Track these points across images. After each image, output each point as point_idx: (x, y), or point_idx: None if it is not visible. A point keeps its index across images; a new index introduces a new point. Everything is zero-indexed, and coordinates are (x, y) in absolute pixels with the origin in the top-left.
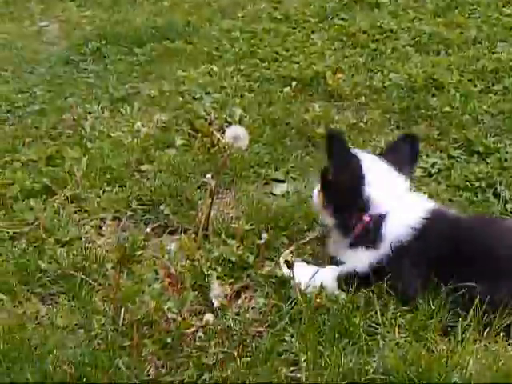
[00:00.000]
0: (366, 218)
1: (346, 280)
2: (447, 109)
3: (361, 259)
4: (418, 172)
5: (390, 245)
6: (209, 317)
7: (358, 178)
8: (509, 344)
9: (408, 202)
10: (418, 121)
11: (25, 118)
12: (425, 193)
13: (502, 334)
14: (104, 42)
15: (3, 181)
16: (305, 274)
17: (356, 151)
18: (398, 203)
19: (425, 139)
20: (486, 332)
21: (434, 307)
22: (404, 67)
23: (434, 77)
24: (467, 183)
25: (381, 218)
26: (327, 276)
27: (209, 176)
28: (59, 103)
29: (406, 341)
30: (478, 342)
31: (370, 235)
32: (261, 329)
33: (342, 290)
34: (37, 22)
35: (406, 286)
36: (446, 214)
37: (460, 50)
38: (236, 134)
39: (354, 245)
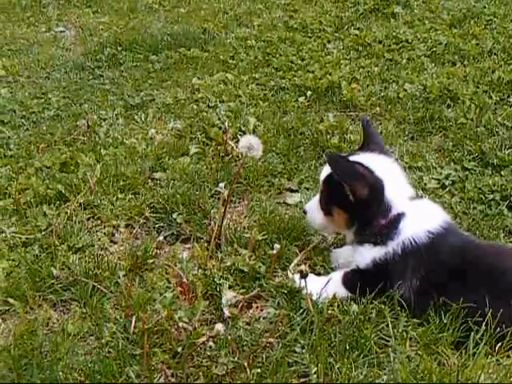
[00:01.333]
0: (385, 219)
1: (351, 279)
2: (462, 120)
3: (365, 256)
4: (432, 184)
5: (402, 242)
6: (219, 327)
7: (377, 188)
8: None
9: (426, 206)
10: (432, 132)
11: (40, 124)
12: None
13: None
14: (120, 48)
15: (17, 186)
16: (316, 284)
17: (358, 158)
18: (417, 206)
19: (439, 150)
20: (497, 346)
21: (445, 321)
22: (419, 78)
23: (450, 88)
24: (481, 196)
25: (399, 216)
26: (335, 281)
27: (222, 185)
28: (74, 109)
29: (417, 354)
30: (489, 356)
31: (383, 232)
32: (271, 340)
33: (351, 293)
34: (53, 28)
35: (404, 289)
36: (460, 231)
37: (476, 61)
38: (250, 144)
39: (361, 242)
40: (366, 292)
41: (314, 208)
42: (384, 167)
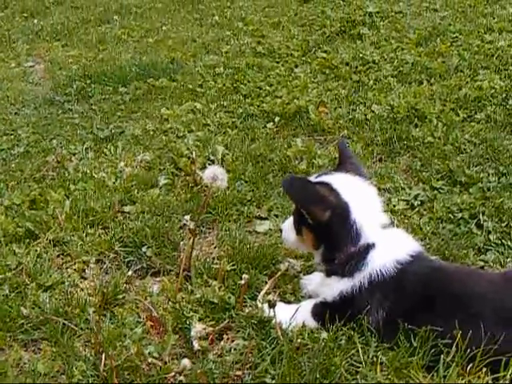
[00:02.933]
0: (353, 248)
1: (320, 311)
2: (429, 139)
3: (332, 288)
4: (401, 205)
5: (369, 274)
6: (186, 362)
7: (340, 212)
8: (493, 379)
9: (396, 236)
10: (400, 152)
11: (9, 161)
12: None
13: (484, 370)
14: (89, 81)
15: None
16: (286, 313)
17: (327, 179)
18: (386, 236)
19: (407, 171)
20: (469, 367)
21: (415, 344)
22: (386, 98)
23: (417, 107)
24: (450, 215)
25: (368, 247)
26: (304, 311)
27: (187, 217)
28: (44, 145)
29: (387, 379)
30: (461, 377)
31: (350, 263)
32: (240, 373)
33: (320, 324)
34: (22, 63)
35: (371, 319)
36: (430, 260)
37: (442, 78)
38: (214, 174)
39: (328, 274)
40: (334, 323)
41: (288, 227)
42: (355, 190)
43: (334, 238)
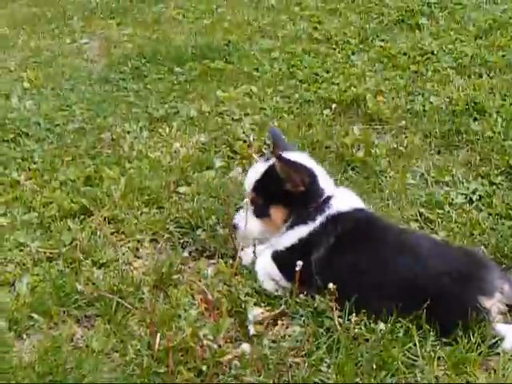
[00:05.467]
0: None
1: (278, 255)
2: (489, 133)
3: (290, 237)
4: (459, 199)
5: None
6: (245, 347)
7: (314, 176)
8: None
9: (345, 191)
10: (459, 145)
11: (64, 137)
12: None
13: None
14: (144, 60)
15: (42, 200)
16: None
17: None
18: (339, 190)
19: (466, 165)
20: None
21: (474, 340)
22: (445, 90)
23: (476, 100)
24: (509, 211)
25: (328, 198)
26: (265, 255)
27: (247, 200)
28: (98, 122)
29: (445, 374)
30: None
31: (315, 211)
32: (297, 359)
33: (278, 266)
34: (77, 40)
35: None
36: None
37: (502, 72)
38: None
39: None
40: (290, 264)
41: (247, 218)
42: (309, 161)
43: (308, 198)
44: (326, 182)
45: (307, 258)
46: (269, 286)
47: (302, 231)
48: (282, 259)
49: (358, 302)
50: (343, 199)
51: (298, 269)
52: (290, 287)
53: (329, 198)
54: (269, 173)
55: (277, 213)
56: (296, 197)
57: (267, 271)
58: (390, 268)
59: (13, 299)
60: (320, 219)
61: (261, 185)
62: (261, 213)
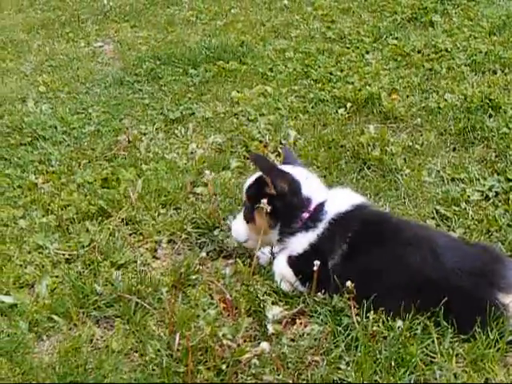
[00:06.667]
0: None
1: (294, 261)
2: (504, 130)
3: (301, 241)
4: (476, 196)
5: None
6: (265, 346)
7: (295, 183)
8: None
9: (341, 192)
10: (474, 142)
11: (80, 140)
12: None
13: None
14: (158, 62)
15: (60, 202)
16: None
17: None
18: (333, 193)
19: (482, 161)
20: None
21: (492, 336)
22: (459, 87)
23: (491, 97)
24: None
25: (321, 204)
26: (281, 260)
27: (264, 201)
28: (114, 124)
29: (463, 371)
30: None
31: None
32: (316, 358)
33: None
34: (92, 43)
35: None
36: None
37: None
38: None
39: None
40: (306, 270)
41: (237, 222)
42: (302, 173)
43: (292, 205)
44: (313, 190)
45: (322, 262)
46: (286, 286)
47: (310, 237)
48: (298, 265)
49: (375, 299)
50: (340, 200)
51: (315, 268)
52: (306, 291)
53: (321, 204)
54: (258, 179)
55: (260, 218)
56: (279, 203)
57: (283, 274)
58: (406, 265)
59: (32, 301)
60: (322, 224)
61: (251, 190)
62: (248, 217)
